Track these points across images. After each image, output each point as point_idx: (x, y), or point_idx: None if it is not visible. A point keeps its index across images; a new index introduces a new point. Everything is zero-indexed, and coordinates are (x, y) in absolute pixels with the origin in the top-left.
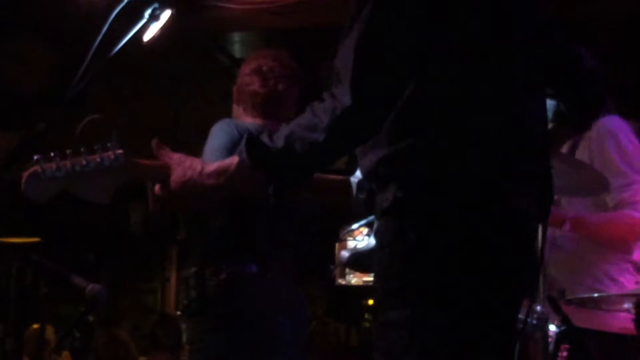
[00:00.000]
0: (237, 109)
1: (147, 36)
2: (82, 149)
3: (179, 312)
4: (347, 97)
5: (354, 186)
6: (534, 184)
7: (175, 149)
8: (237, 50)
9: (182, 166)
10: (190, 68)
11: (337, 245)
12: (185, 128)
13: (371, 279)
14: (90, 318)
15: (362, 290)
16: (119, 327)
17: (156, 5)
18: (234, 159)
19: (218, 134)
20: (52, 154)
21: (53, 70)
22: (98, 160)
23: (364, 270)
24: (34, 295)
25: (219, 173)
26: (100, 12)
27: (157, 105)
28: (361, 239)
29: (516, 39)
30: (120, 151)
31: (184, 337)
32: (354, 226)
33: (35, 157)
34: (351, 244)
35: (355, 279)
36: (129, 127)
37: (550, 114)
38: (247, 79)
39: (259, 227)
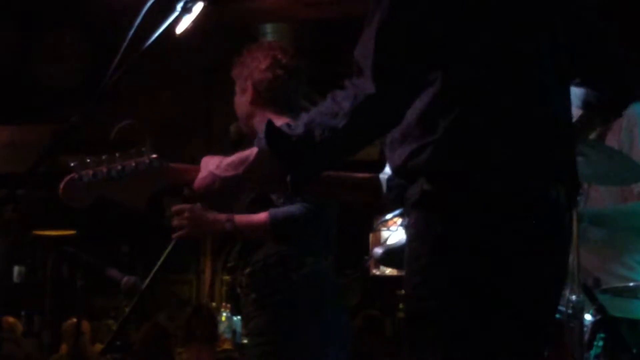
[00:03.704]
0: (261, 113)
1: (179, 29)
2: (117, 154)
3: (214, 304)
4: (369, 84)
5: (384, 183)
6: (563, 172)
7: (209, 143)
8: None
9: (208, 165)
10: (223, 61)
11: (371, 235)
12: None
13: None
14: (127, 309)
15: (397, 281)
16: (154, 318)
17: None
18: (253, 149)
19: None
20: (88, 160)
21: (86, 64)
22: (133, 165)
23: (397, 266)
24: (70, 287)
25: (238, 163)
26: (133, 6)
27: (191, 99)
28: (395, 229)
29: (545, 28)
30: (154, 156)
31: (221, 328)
32: (388, 216)
33: (72, 164)
34: (385, 234)
35: (389, 269)
36: (162, 122)
37: (579, 102)
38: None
39: (330, 221)
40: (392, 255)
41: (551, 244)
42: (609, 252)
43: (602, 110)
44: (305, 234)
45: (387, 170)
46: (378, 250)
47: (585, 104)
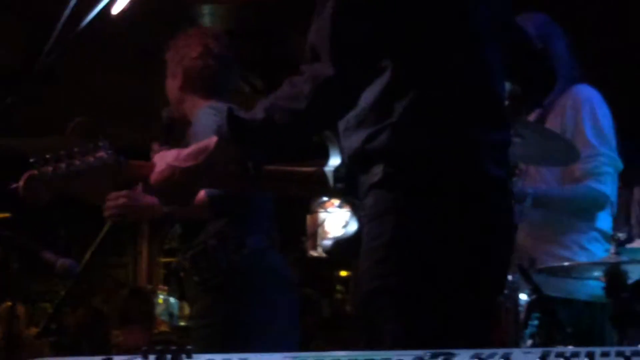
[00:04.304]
0: (191, 98)
1: (115, 10)
2: (75, 150)
3: (150, 286)
4: (328, 67)
5: (330, 176)
6: (504, 152)
7: (148, 122)
8: (206, 22)
9: (164, 159)
10: (161, 44)
11: (308, 217)
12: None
13: None
14: (62, 293)
15: (334, 262)
16: (91, 301)
17: None
18: (213, 138)
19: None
20: (47, 156)
21: (22, 45)
22: (92, 160)
23: (346, 256)
24: (4, 270)
25: (197, 153)
26: None
27: (129, 79)
28: (332, 210)
29: (490, 18)
30: (112, 152)
31: (158, 311)
32: (325, 198)
33: (31, 160)
34: (322, 215)
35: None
36: (100, 105)
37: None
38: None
39: (265, 198)
40: (341, 245)
41: (505, 220)
42: (547, 232)
43: (526, 101)
44: (244, 211)
45: (332, 163)
46: (327, 242)
47: (511, 95)
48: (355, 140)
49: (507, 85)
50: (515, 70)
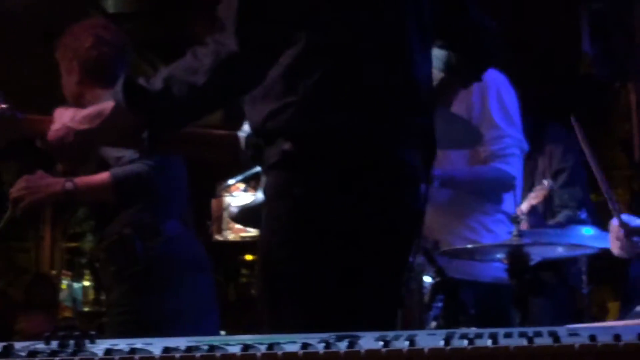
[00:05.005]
0: (91, 91)
1: None
2: None
3: (54, 272)
4: (232, 42)
5: (242, 141)
6: (419, 138)
7: (53, 104)
8: (110, 5)
9: (61, 117)
10: (64, 24)
11: (213, 201)
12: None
13: (248, 234)
14: None
15: (239, 246)
16: None
17: None
18: (110, 102)
19: None
20: None
21: None
22: None
23: (252, 225)
24: None
25: (94, 116)
26: None
27: (33, 61)
28: (237, 194)
29: None
30: (5, 105)
31: (61, 296)
32: (230, 182)
33: None
34: (227, 199)
35: (232, 234)
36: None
37: (440, 64)
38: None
39: (181, 182)
40: (247, 213)
41: (407, 206)
42: (452, 214)
43: (463, 74)
44: (156, 196)
45: (246, 128)
46: (233, 209)
47: (447, 66)
48: (257, 114)
49: (442, 53)
50: (451, 38)
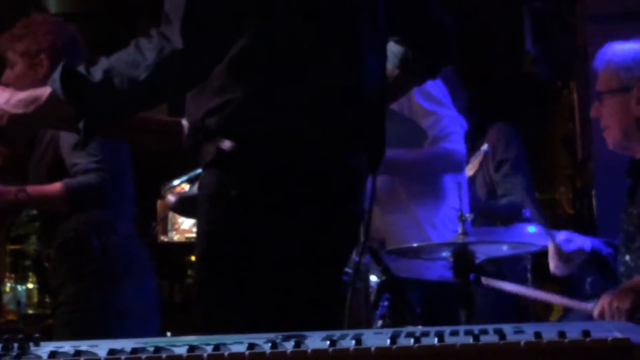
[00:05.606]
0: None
1: None
2: None
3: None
4: (177, 38)
5: (186, 129)
6: (365, 139)
7: None
8: (52, 5)
9: None
10: (5, 24)
11: (158, 202)
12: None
13: (194, 235)
14: None
15: (185, 247)
16: None
17: None
18: (47, 88)
19: None
20: None
21: None
22: None
23: (190, 214)
24: None
25: (29, 101)
26: None
27: None
28: None
29: None
30: None
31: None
32: (175, 182)
33: None
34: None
35: (177, 235)
36: None
37: (396, 60)
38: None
39: (129, 184)
40: (186, 202)
41: (345, 209)
42: (398, 212)
43: (418, 71)
44: (113, 196)
45: None
46: (172, 198)
47: (403, 63)
48: (195, 109)
49: (399, 49)
50: (409, 34)
